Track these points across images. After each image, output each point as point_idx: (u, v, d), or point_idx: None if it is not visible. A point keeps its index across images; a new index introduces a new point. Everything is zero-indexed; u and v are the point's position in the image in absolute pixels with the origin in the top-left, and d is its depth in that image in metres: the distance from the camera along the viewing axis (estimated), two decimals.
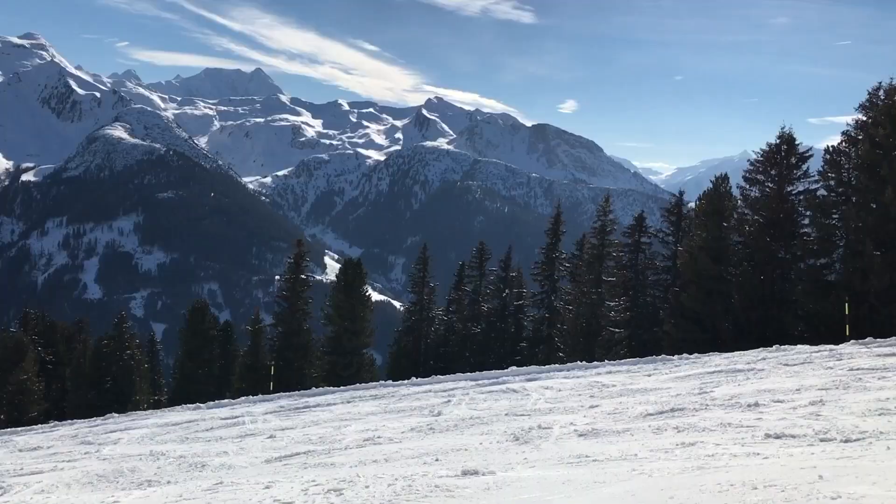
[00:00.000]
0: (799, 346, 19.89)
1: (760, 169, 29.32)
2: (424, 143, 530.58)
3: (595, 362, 23.37)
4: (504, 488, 8.18)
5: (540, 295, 43.73)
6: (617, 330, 34.59)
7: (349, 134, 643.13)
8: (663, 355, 22.67)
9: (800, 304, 27.46)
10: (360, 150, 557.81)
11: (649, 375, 18.81)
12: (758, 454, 8.89)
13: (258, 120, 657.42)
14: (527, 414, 15.53)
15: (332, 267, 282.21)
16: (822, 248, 27.16)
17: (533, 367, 23.73)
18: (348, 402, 21.61)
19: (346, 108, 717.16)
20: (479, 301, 46.24)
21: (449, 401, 18.88)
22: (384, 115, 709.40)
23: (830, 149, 27.57)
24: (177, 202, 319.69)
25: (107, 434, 20.95)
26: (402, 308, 77.82)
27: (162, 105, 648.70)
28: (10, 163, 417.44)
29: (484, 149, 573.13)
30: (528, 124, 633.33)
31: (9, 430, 27.96)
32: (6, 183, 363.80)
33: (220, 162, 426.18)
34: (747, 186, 29.83)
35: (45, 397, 49.02)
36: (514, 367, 24.37)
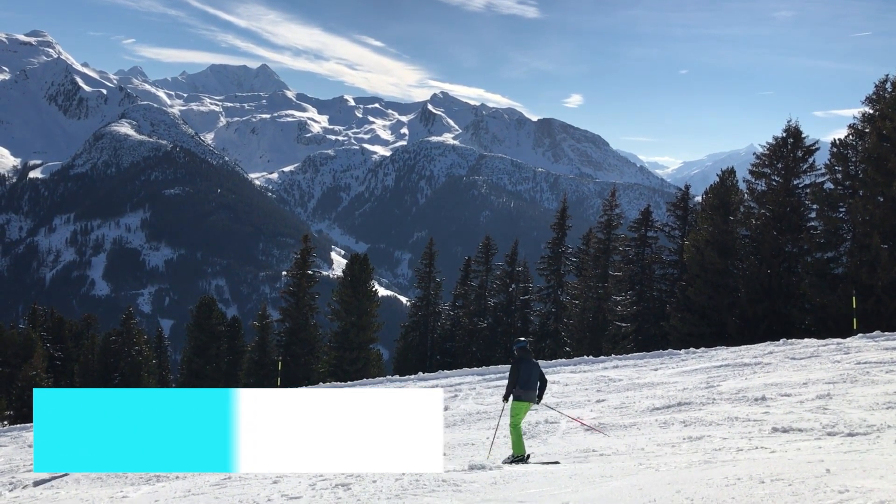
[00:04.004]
0: (806, 339, 19.85)
1: (767, 162, 29.19)
2: (430, 139, 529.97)
3: (602, 357, 23.39)
4: (511, 483, 8.20)
5: (546, 289, 43.66)
6: (623, 324, 34.54)
7: (355, 129, 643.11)
8: (670, 349, 22.66)
9: (807, 298, 27.36)
10: (365, 145, 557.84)
11: (656, 370, 18.80)
12: (765, 448, 8.89)
13: (264, 116, 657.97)
14: (533, 408, 15.56)
15: (339, 262, 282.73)
16: (828, 242, 27.05)
17: (540, 362, 23.73)
18: None
19: (352, 103, 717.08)
20: (485, 296, 46.21)
21: (456, 395, 18.92)
22: (390, 111, 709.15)
23: (837, 142, 27.42)
24: (183, 198, 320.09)
25: None
26: (408, 303, 77.87)
27: (168, 101, 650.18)
28: (18, 160, 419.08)
29: (489, 144, 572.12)
30: (534, 119, 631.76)
31: (18, 425, 28.14)
32: (14, 180, 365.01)
33: (227, 158, 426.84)
34: (753, 180, 29.71)
35: None
36: None
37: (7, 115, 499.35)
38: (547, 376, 20.37)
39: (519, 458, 10.29)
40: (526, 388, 10.41)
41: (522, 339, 11.03)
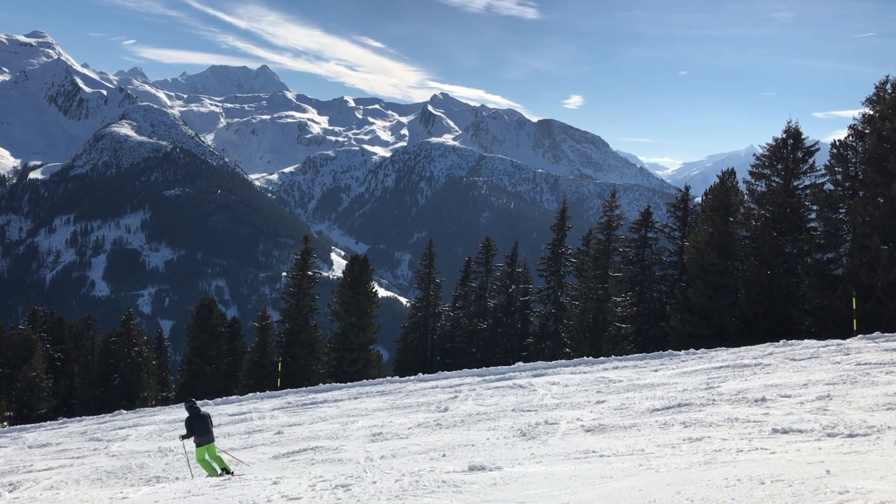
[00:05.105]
0: (806, 340, 19.85)
1: (767, 163, 29.20)
2: (430, 140, 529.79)
3: (601, 358, 23.38)
4: (511, 484, 8.19)
5: (546, 290, 43.65)
6: (623, 325, 34.52)
7: (355, 130, 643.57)
8: (670, 350, 22.66)
9: (807, 299, 27.37)
10: (365, 146, 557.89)
11: (656, 371, 18.80)
12: (765, 449, 8.88)
13: (264, 117, 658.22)
14: (533, 409, 15.55)
15: (339, 263, 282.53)
16: (828, 243, 27.05)
17: (539, 363, 23.72)
18: (355, 398, 21.68)
19: (352, 104, 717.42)
20: (485, 297, 46.21)
21: (455, 396, 18.91)
22: (390, 112, 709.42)
23: (837, 143, 27.43)
24: (183, 199, 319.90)
25: (115, 430, 21.07)
26: (408, 304, 77.86)
27: (168, 102, 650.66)
28: (18, 161, 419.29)
29: (489, 144, 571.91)
30: (534, 120, 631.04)
31: (18, 426, 28.12)
32: (14, 181, 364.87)
33: (227, 159, 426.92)
34: (753, 181, 29.71)
35: (54, 394, 49.31)
36: (520, 363, 24.37)
37: (7, 115, 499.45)
38: (547, 377, 20.41)
39: (215, 475, 13.00)
40: (203, 434, 13.32)
41: (192, 399, 14.32)
